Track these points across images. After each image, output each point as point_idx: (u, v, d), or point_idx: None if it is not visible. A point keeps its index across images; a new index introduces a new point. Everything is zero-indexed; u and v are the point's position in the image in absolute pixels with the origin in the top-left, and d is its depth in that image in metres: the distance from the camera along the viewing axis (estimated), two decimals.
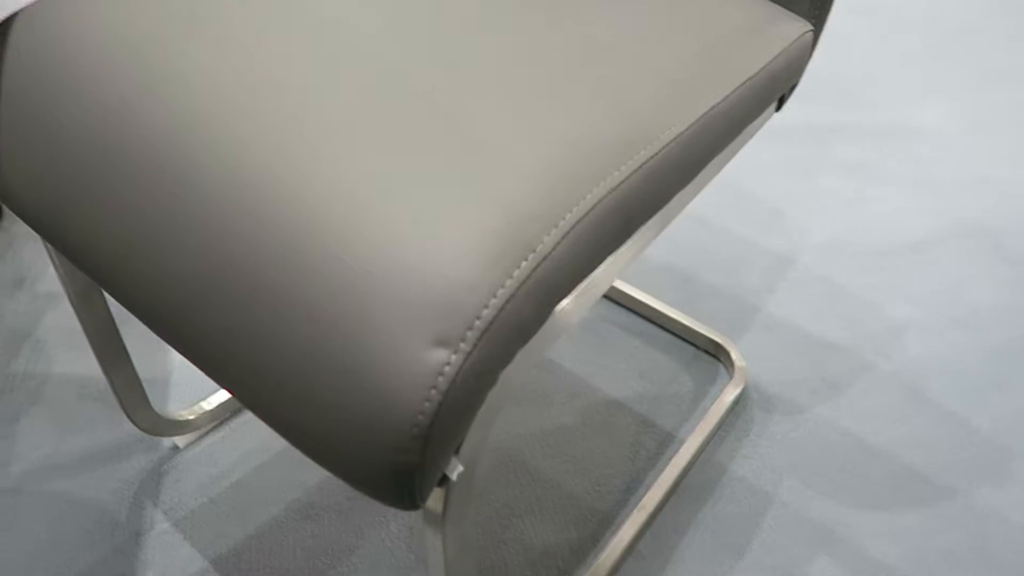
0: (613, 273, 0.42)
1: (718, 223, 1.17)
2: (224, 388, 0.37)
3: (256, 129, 0.37)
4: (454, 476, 0.34)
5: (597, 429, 0.84)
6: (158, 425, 0.75)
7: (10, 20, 0.47)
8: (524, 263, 0.33)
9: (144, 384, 0.85)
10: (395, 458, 0.31)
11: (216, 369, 0.36)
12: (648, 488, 0.78)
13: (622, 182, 0.38)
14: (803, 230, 1.17)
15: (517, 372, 0.36)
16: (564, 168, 0.37)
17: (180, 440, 0.79)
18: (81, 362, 0.88)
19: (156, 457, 0.78)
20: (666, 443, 0.83)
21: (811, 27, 0.56)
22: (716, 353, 0.93)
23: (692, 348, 0.95)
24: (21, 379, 0.85)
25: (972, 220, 1.21)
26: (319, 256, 0.33)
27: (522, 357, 0.35)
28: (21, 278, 0.98)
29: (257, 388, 0.34)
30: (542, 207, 0.35)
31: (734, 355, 0.91)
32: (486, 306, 0.32)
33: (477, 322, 0.32)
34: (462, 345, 0.31)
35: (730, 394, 0.87)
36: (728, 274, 1.07)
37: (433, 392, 0.31)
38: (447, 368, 0.31)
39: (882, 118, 1.48)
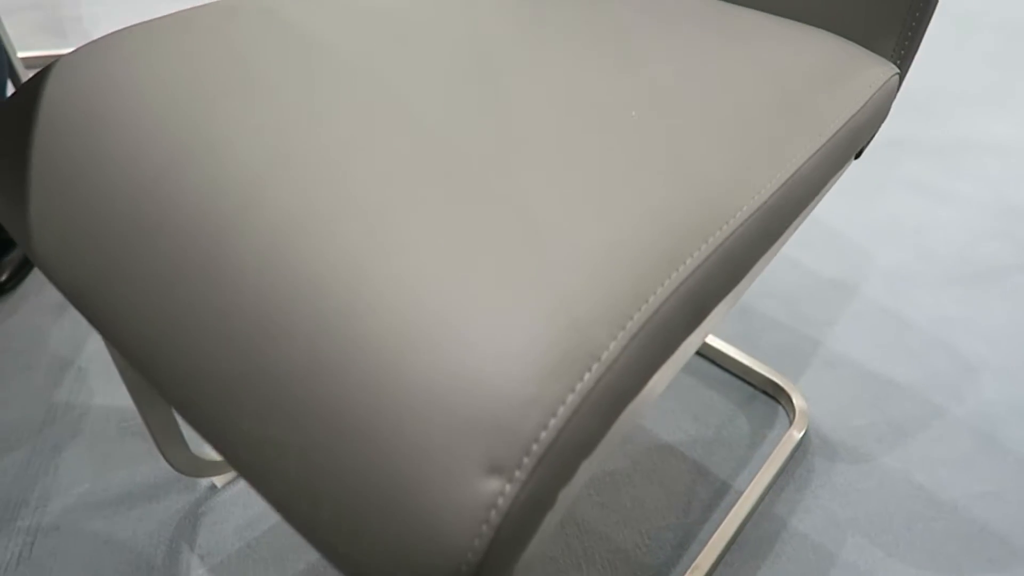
0: (683, 359, 0.38)
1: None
2: (261, 496, 0.34)
3: (301, 216, 0.34)
4: None
5: (648, 476, 0.80)
6: (194, 466, 0.74)
7: (43, 73, 0.45)
8: (587, 374, 0.30)
9: (180, 423, 0.84)
10: None
11: (251, 477, 0.33)
12: (703, 545, 0.74)
13: (695, 269, 0.34)
14: (867, 256, 1.11)
15: (579, 485, 0.32)
16: (631, 258, 0.33)
17: (218, 480, 0.77)
18: (121, 394, 0.86)
19: (194, 497, 0.76)
20: (721, 493, 0.79)
21: (897, 70, 0.51)
22: (775, 394, 0.88)
23: (749, 388, 0.90)
24: (63, 410, 0.84)
25: None
26: (368, 366, 0.29)
27: (584, 469, 0.32)
28: (64, 303, 0.97)
29: (292, 503, 0.31)
30: (606, 308, 0.31)
31: (794, 397, 0.86)
32: (545, 427, 0.28)
33: (535, 446, 0.28)
34: (517, 473, 0.28)
35: (790, 440, 0.82)
36: (787, 305, 1.02)
37: (484, 528, 0.27)
38: (500, 500, 0.27)
39: (950, 132, 1.40)
